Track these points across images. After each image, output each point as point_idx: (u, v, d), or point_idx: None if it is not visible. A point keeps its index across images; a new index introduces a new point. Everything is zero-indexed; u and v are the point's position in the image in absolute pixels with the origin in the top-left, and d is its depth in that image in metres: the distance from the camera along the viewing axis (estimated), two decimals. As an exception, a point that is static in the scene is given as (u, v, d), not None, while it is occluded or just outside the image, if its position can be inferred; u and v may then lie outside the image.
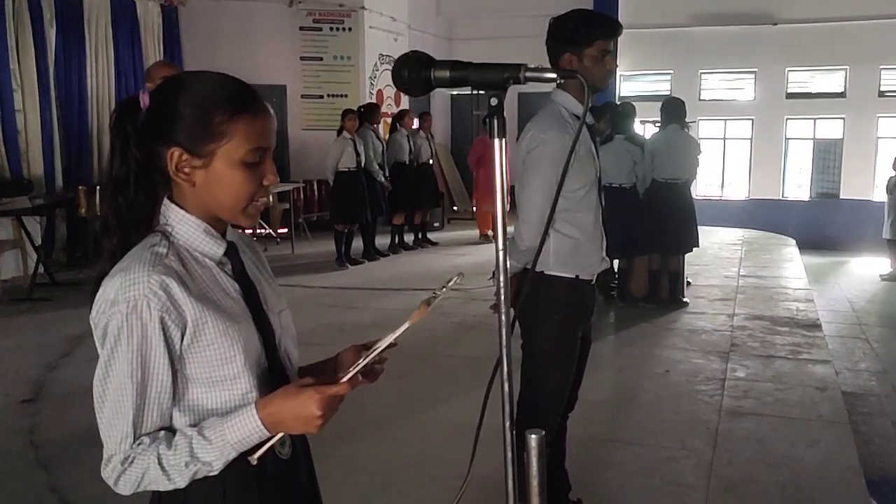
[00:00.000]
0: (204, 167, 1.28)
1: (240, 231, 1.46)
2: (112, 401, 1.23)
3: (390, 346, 1.29)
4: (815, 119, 15.20)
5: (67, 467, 3.76)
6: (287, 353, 1.43)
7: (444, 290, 1.26)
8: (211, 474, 1.25)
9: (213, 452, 1.23)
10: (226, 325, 1.28)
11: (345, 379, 1.26)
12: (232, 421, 1.24)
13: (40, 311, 6.92)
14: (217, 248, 1.33)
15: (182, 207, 1.31)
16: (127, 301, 1.21)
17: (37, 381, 5.06)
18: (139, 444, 1.23)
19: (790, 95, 15.10)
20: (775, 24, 14.53)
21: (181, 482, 1.24)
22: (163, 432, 1.26)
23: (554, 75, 1.20)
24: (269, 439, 1.27)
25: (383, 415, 4.44)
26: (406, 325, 1.24)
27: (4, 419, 4.48)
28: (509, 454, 1.26)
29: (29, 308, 7.07)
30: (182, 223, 1.31)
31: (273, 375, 1.36)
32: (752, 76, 15.22)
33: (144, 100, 1.30)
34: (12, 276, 8.15)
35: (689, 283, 7.88)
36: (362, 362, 1.27)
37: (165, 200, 1.32)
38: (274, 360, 1.37)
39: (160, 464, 1.22)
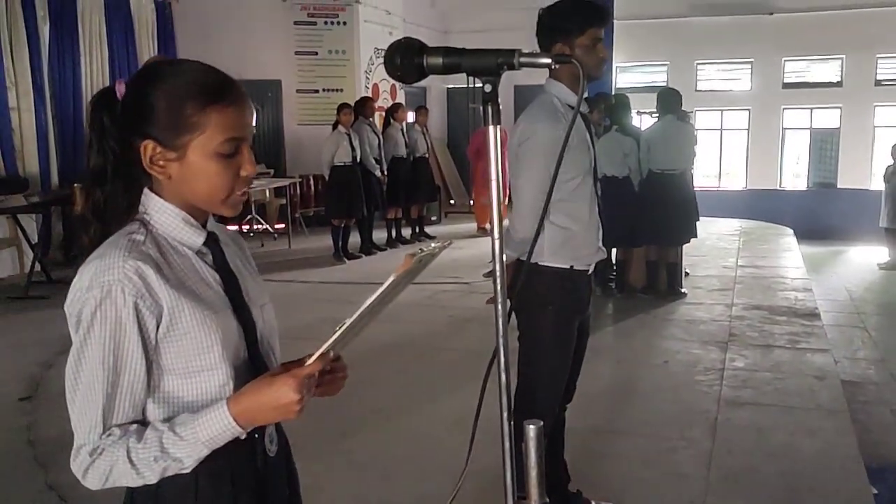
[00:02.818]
0: (178, 160, 1.25)
1: (226, 227, 1.44)
2: (84, 388, 1.21)
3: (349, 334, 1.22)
4: (811, 109, 15.22)
5: (65, 465, 3.70)
6: (270, 347, 1.39)
7: (433, 248, 1.22)
8: (182, 471, 1.22)
9: (185, 449, 1.20)
10: (203, 313, 1.25)
11: (315, 356, 1.22)
12: (203, 418, 1.20)
13: (37, 309, 6.90)
14: (196, 238, 1.31)
15: (161, 197, 1.29)
16: (101, 286, 1.19)
17: (34, 379, 5.04)
18: (109, 436, 1.20)
19: (787, 85, 15.10)
20: (771, 13, 14.53)
21: (151, 478, 1.21)
22: (134, 426, 1.22)
23: (548, 60, 1.19)
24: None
25: (382, 409, 4.43)
26: (392, 278, 1.17)
27: (2, 417, 4.47)
28: (507, 445, 1.24)
29: (25, 306, 7.05)
30: (160, 212, 1.28)
31: (254, 369, 1.32)
32: (749, 66, 15.22)
33: (120, 90, 1.27)
34: (8, 275, 8.14)
35: (687, 274, 7.87)
36: (339, 330, 1.20)
37: (145, 190, 1.30)
38: (255, 354, 1.34)
39: (129, 457, 1.18)
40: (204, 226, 1.33)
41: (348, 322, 1.18)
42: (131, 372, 1.21)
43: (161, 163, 1.25)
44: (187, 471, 1.22)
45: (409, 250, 1.18)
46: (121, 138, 1.27)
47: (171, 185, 1.27)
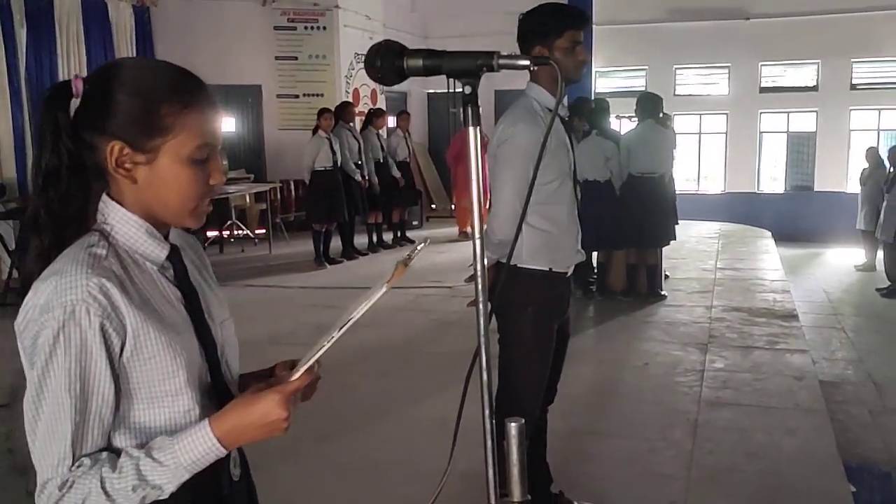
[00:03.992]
0: (147, 163, 1.17)
1: (185, 230, 1.34)
2: (47, 419, 1.11)
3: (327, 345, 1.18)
4: (788, 113, 15.37)
5: (44, 472, 3.71)
6: (228, 365, 1.32)
7: (417, 251, 1.19)
8: (161, 498, 1.14)
9: (165, 475, 1.12)
10: (167, 336, 1.17)
11: (303, 369, 1.18)
12: (184, 441, 1.13)
13: (14, 316, 6.82)
14: (160, 252, 1.23)
15: (122, 205, 1.20)
16: (63, 306, 1.10)
17: (12, 386, 4.98)
18: (79, 467, 1.11)
19: (763, 90, 15.25)
20: (748, 18, 14.67)
21: None
22: (105, 453, 1.14)
23: (527, 62, 1.20)
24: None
25: (366, 412, 4.43)
26: (384, 289, 1.15)
27: (-21, 425, 4.42)
28: (489, 443, 1.25)
29: (2, 313, 6.96)
30: (123, 223, 1.20)
31: (216, 390, 1.27)
32: (726, 71, 15.36)
33: (77, 86, 1.18)
34: (-15, 282, 8.03)
35: (667, 277, 7.93)
36: (326, 345, 1.17)
37: (105, 197, 1.21)
38: (216, 374, 1.27)
39: (103, 488, 1.10)
40: (166, 238, 1.25)
41: (335, 335, 1.16)
42: (100, 397, 1.13)
43: (128, 165, 1.17)
44: (165, 496, 1.14)
45: (396, 259, 1.16)
46: (77, 137, 1.18)
47: (135, 191, 1.19)
